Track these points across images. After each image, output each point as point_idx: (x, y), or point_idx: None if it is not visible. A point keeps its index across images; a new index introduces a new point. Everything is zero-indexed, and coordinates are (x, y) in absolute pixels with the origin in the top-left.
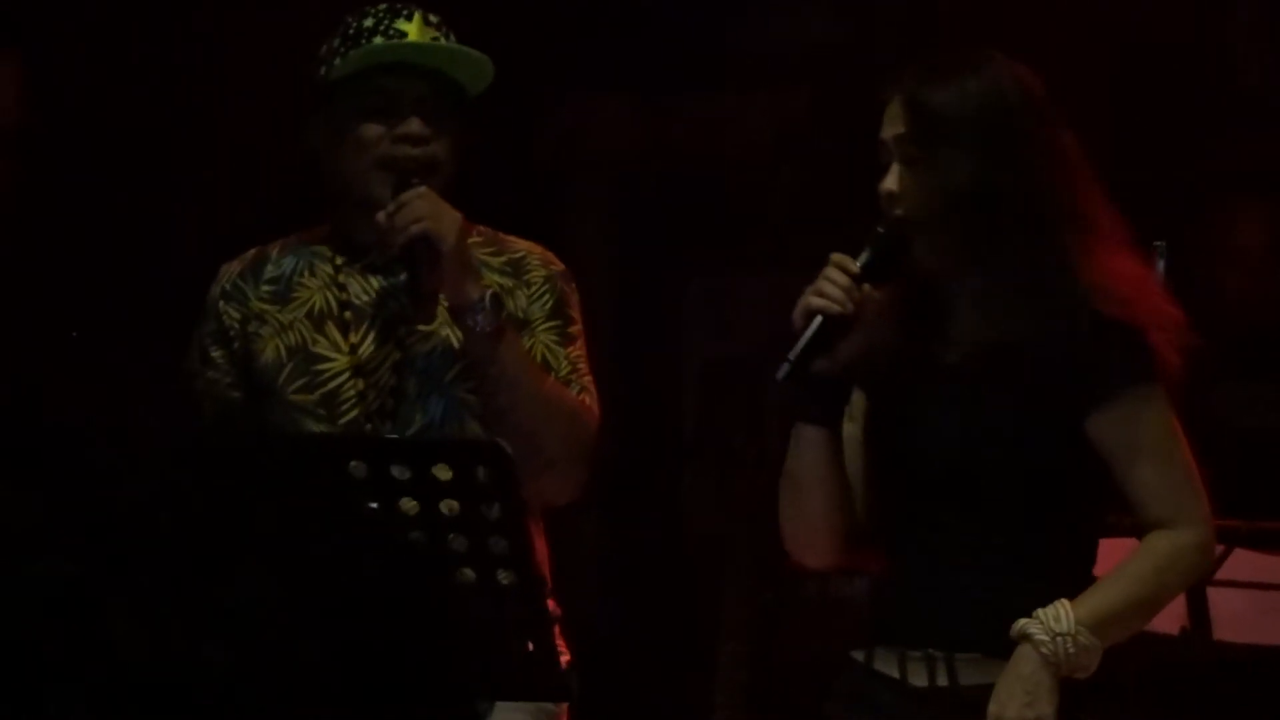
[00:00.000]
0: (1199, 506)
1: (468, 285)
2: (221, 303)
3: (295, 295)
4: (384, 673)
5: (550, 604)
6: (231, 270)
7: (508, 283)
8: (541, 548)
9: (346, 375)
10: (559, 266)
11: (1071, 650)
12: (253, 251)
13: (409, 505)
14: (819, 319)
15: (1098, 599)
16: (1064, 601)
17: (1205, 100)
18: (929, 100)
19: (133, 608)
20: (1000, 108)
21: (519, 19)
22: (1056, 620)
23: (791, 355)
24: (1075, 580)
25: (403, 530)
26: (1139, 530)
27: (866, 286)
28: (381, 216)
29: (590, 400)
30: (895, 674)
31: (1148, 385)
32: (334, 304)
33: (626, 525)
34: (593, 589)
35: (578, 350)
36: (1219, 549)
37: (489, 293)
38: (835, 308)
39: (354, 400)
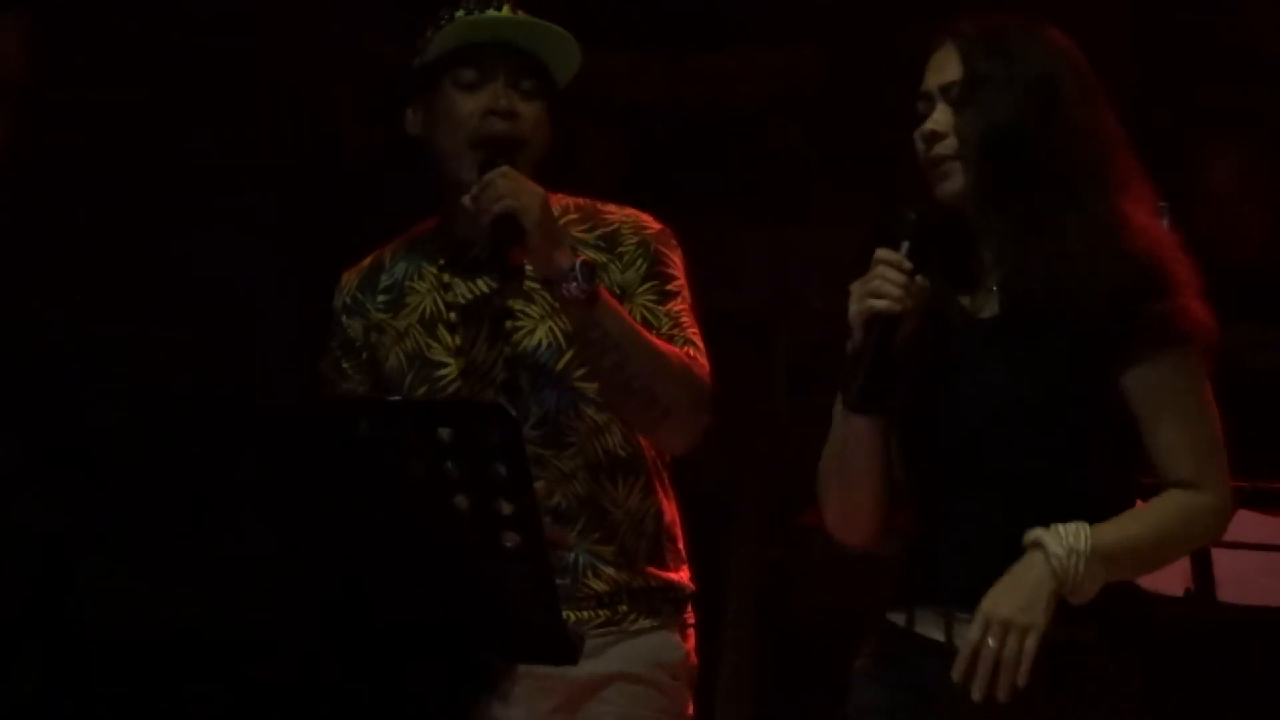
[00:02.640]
0: (1219, 471)
1: (556, 255)
2: (344, 316)
3: (407, 301)
4: (386, 633)
5: (684, 576)
6: (350, 282)
7: (601, 257)
8: (671, 508)
9: (462, 378)
10: (653, 228)
11: (1080, 570)
12: (369, 259)
13: (415, 466)
14: (877, 328)
15: (1114, 531)
16: (1084, 523)
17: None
18: (985, 51)
19: (116, 563)
20: (1048, 68)
21: None
22: (1075, 537)
23: (863, 375)
24: None
25: (408, 491)
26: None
27: (919, 278)
28: (467, 200)
29: (695, 351)
30: (940, 636)
31: (1180, 346)
32: (441, 306)
33: None
34: None
35: (678, 305)
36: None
37: (579, 260)
38: (896, 308)
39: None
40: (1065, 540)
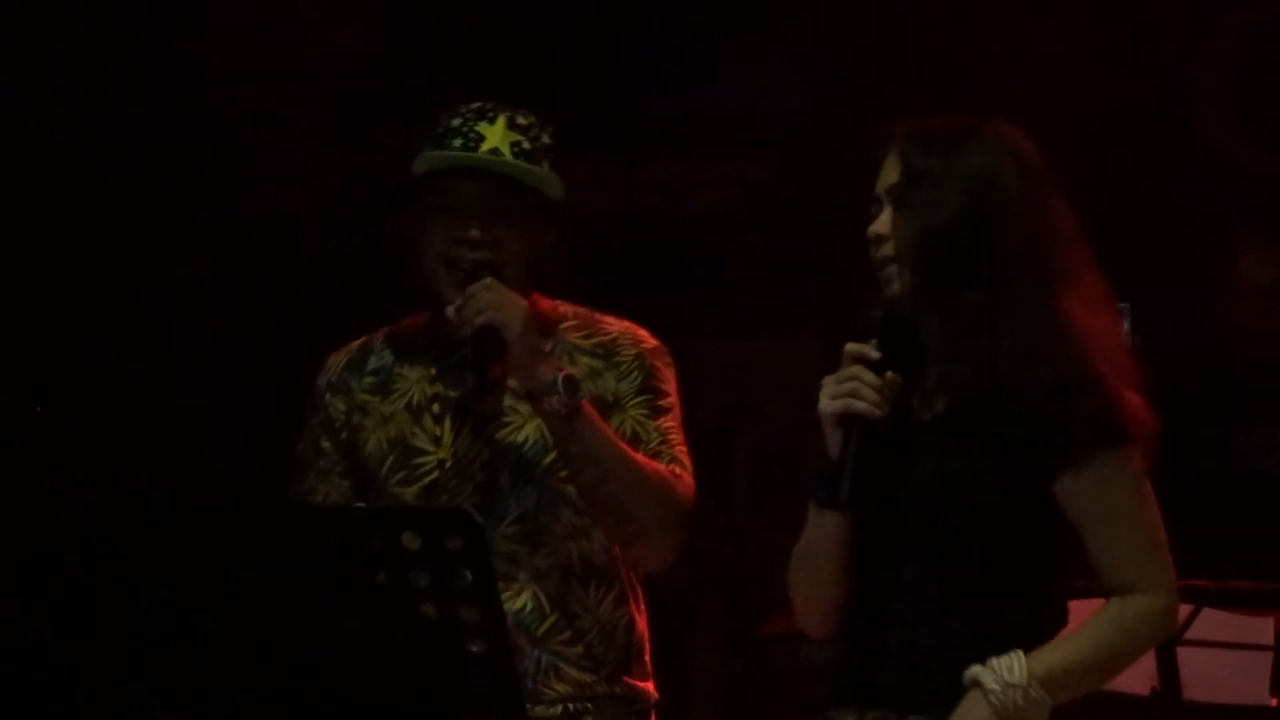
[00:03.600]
0: (1163, 572)
1: (538, 369)
2: (328, 395)
3: (395, 387)
4: None
5: (649, 686)
6: (338, 362)
7: (598, 365)
8: (642, 621)
9: (444, 470)
10: (650, 343)
11: (1020, 703)
12: (358, 342)
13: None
14: (858, 427)
15: (1054, 656)
16: (1019, 653)
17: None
18: (921, 150)
19: (87, 668)
20: (985, 165)
21: (487, 82)
22: (1010, 670)
23: (849, 474)
24: (1038, 644)
25: (375, 599)
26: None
27: (889, 375)
28: (450, 311)
29: (681, 470)
30: None
31: (1118, 448)
32: (429, 398)
33: None
34: None
35: (669, 421)
36: (1188, 608)
37: (561, 374)
38: (876, 412)
39: (451, 493)
40: (1000, 675)
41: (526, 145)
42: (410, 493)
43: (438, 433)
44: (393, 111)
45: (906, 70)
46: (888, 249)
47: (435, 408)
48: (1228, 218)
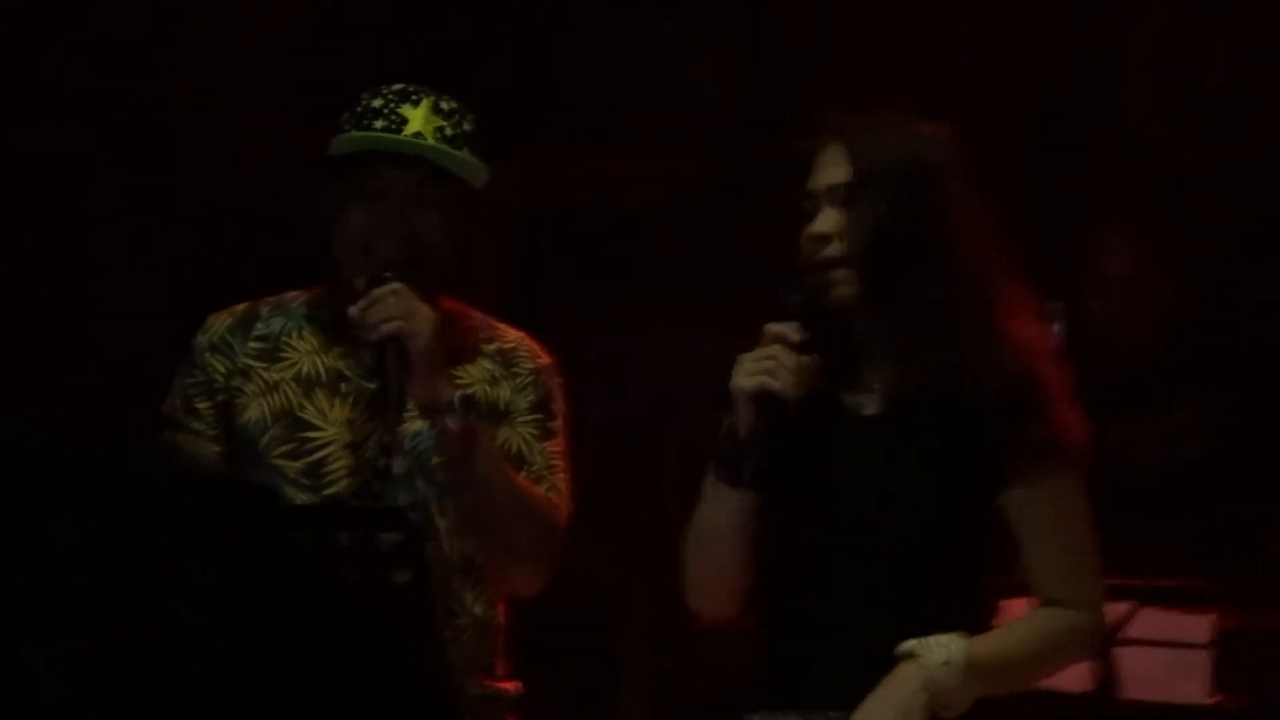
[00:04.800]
0: (1092, 590)
1: (440, 385)
2: (208, 354)
3: (284, 356)
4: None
5: (512, 685)
6: (220, 323)
7: (497, 371)
8: (505, 618)
9: (335, 447)
10: (546, 360)
11: (954, 683)
12: (243, 306)
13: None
14: (770, 407)
15: (989, 646)
16: (957, 636)
17: (1081, 135)
18: (870, 149)
19: (60, 646)
20: (928, 164)
21: (414, 76)
22: (948, 649)
23: (756, 453)
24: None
25: (302, 592)
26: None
27: (804, 358)
28: (353, 311)
29: (558, 498)
30: None
31: (1065, 467)
32: (323, 372)
33: None
34: None
35: (555, 446)
36: (1126, 607)
37: (459, 394)
38: (789, 393)
39: (340, 473)
40: (939, 653)
41: (450, 131)
42: (295, 467)
43: (330, 410)
44: (315, 100)
45: (833, 61)
46: (833, 249)
47: (330, 384)
48: (1095, 208)
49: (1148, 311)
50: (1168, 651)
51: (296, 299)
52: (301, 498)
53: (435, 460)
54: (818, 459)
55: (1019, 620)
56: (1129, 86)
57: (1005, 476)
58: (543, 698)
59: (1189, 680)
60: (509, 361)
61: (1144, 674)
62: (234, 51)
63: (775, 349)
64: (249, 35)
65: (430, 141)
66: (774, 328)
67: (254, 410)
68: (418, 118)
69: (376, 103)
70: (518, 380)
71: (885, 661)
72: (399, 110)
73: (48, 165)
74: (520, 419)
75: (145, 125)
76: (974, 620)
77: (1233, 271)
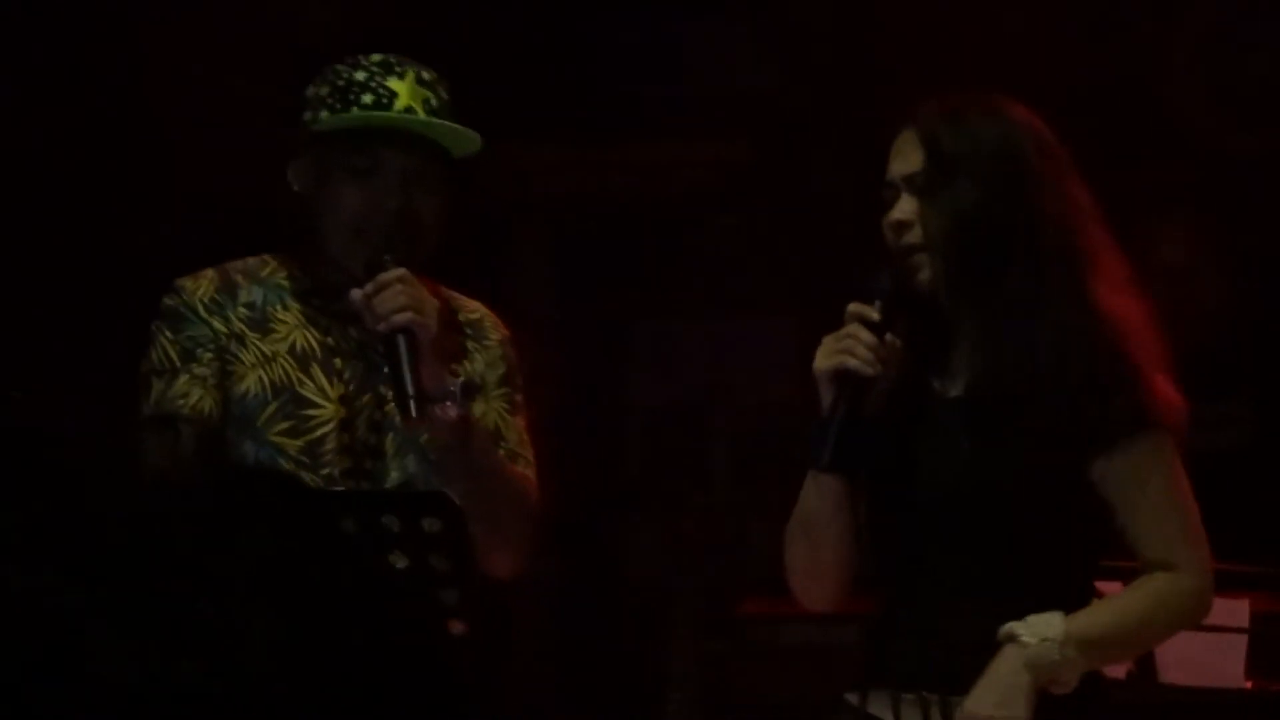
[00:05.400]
0: (1198, 555)
1: (442, 373)
2: (202, 312)
3: (274, 328)
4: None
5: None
6: (202, 286)
7: (470, 345)
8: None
9: (332, 425)
10: (506, 331)
11: (1056, 658)
12: (212, 271)
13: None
14: (849, 387)
15: (1089, 618)
16: (1057, 613)
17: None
18: (947, 135)
19: (113, 624)
20: (1012, 146)
21: (459, 64)
22: (1047, 625)
23: (833, 435)
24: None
25: (352, 582)
26: (1137, 574)
27: (889, 337)
28: (357, 296)
29: (532, 474)
30: (890, 716)
31: (1151, 431)
32: (316, 346)
33: (570, 574)
34: (539, 640)
35: (523, 420)
36: None
37: (461, 381)
38: (869, 370)
39: (336, 451)
40: (1038, 629)
41: (435, 102)
42: (295, 445)
43: (327, 386)
44: None
45: (876, 48)
46: (913, 236)
47: (324, 360)
48: (1148, 198)
49: (1196, 302)
50: (1205, 636)
51: (267, 268)
52: (301, 477)
53: (429, 444)
54: (907, 443)
55: (1124, 590)
56: (1173, 74)
57: (1098, 445)
58: (594, 683)
59: (1226, 664)
60: (478, 334)
61: (1181, 658)
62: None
63: (854, 328)
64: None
65: (423, 116)
66: (854, 308)
67: (252, 382)
68: (404, 90)
69: (360, 75)
70: (488, 353)
71: (979, 643)
72: (385, 84)
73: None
74: (493, 393)
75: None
76: (1071, 599)
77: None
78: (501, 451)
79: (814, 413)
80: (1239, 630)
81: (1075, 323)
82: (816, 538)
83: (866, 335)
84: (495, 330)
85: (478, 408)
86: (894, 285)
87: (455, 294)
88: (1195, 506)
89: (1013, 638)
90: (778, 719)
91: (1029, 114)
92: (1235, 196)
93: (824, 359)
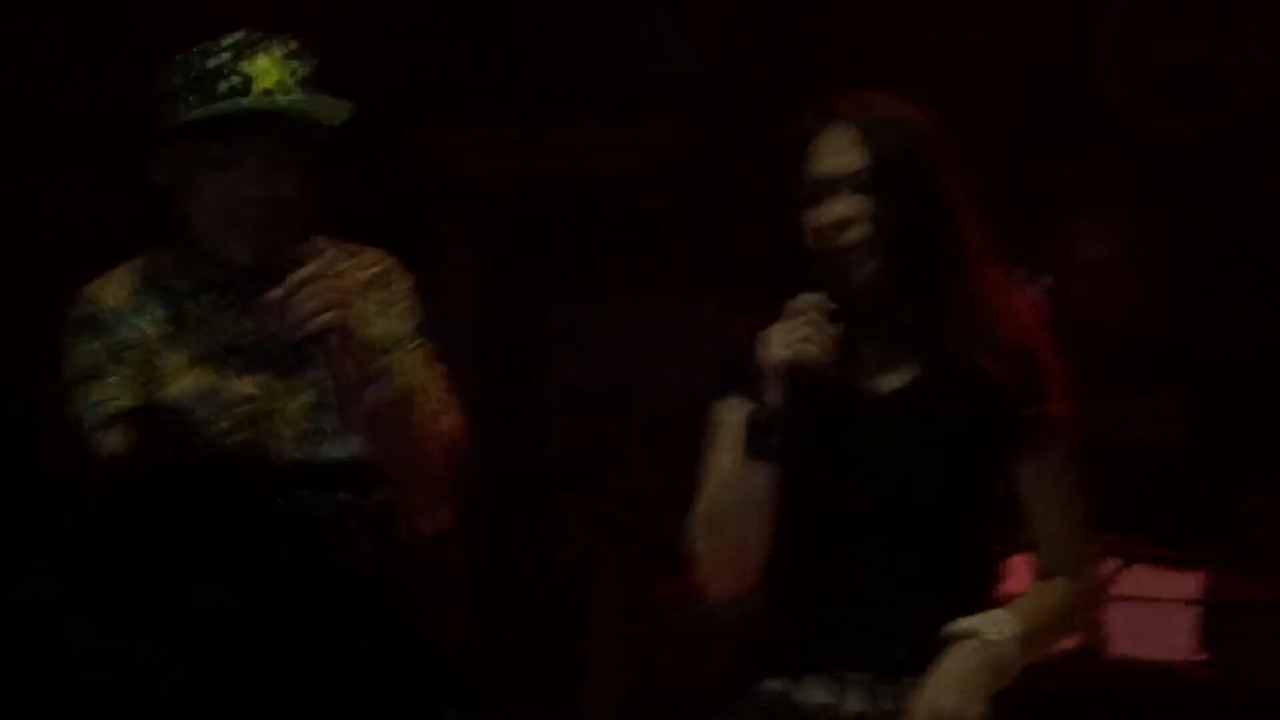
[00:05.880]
0: (1091, 560)
1: (366, 356)
2: (121, 315)
3: (191, 328)
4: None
5: None
6: (114, 291)
7: (382, 296)
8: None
9: (266, 419)
10: (408, 275)
11: (1015, 654)
12: (120, 273)
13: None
14: (798, 378)
15: (1027, 619)
16: (1005, 612)
17: (1054, 116)
18: (887, 133)
19: (101, 625)
20: (935, 148)
21: (390, 41)
22: (1006, 624)
23: (782, 425)
24: (989, 604)
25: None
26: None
27: (831, 328)
28: (271, 300)
29: (457, 420)
30: (830, 699)
31: (1061, 436)
32: (236, 341)
33: (491, 554)
34: (458, 619)
35: (439, 367)
36: (1115, 564)
37: (386, 368)
38: (825, 357)
39: (277, 439)
40: (999, 628)
41: (297, 76)
42: (232, 440)
43: (255, 377)
44: None
45: (804, 32)
46: (856, 234)
47: (246, 353)
48: (1062, 192)
49: (1128, 293)
50: (1155, 607)
51: (166, 267)
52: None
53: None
54: (839, 434)
55: (1035, 594)
56: (1101, 64)
57: (1018, 449)
58: (513, 664)
59: (1175, 636)
60: (384, 286)
61: (1130, 630)
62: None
63: (812, 318)
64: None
65: (287, 98)
66: (809, 298)
67: (183, 383)
68: (262, 71)
69: (212, 63)
70: (397, 306)
71: (923, 633)
72: (240, 68)
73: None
74: (409, 345)
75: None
76: (987, 585)
77: (1213, 251)
78: (430, 408)
79: (721, 398)
80: (1188, 602)
81: (996, 326)
82: (739, 526)
83: (824, 326)
84: (400, 278)
85: (394, 359)
86: (833, 284)
87: (352, 246)
88: (1087, 510)
89: (974, 634)
90: (698, 699)
91: (937, 120)
92: (1165, 185)
93: (782, 349)
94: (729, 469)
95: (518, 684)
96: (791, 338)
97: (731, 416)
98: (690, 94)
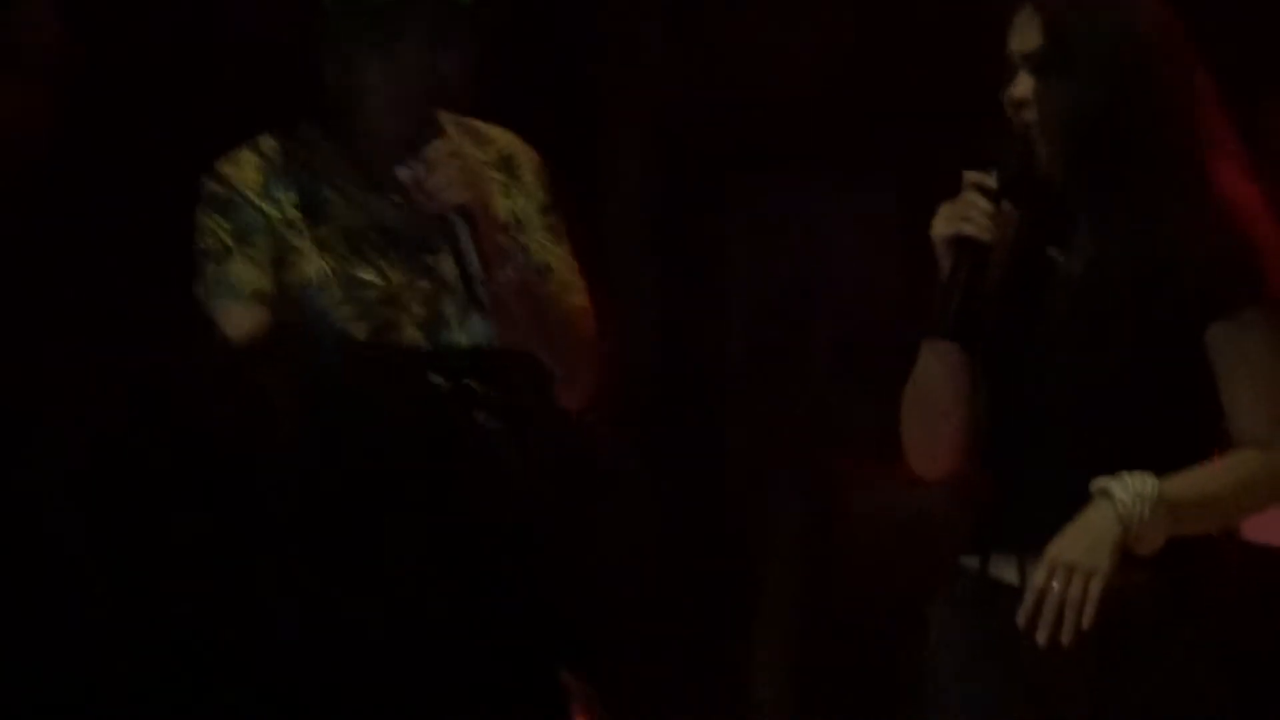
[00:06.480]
0: None
1: (499, 238)
2: (254, 198)
3: (326, 210)
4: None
5: None
6: (247, 170)
7: (504, 180)
8: None
9: (395, 305)
10: (539, 157)
11: (1145, 516)
12: (252, 156)
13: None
14: (968, 255)
15: (1182, 484)
16: (1150, 474)
17: None
18: (1069, 16)
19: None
20: (1135, 31)
21: None
22: (1141, 483)
23: (956, 302)
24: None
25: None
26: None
27: (1006, 205)
28: (406, 176)
29: (586, 300)
30: (1014, 579)
31: (1263, 307)
32: (364, 224)
33: (671, 452)
34: (635, 519)
35: (569, 248)
36: None
37: (517, 247)
38: (985, 236)
39: (401, 329)
40: (1131, 488)
41: None
42: (361, 328)
43: (380, 265)
44: None
45: None
46: (1030, 114)
47: (379, 239)
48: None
49: None
50: None
51: (306, 145)
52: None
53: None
54: (1028, 313)
55: (1217, 462)
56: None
57: (1212, 311)
58: (690, 571)
59: None
60: (511, 167)
61: (1266, 519)
62: None
63: (971, 195)
64: None
65: None
66: (972, 175)
67: (312, 269)
68: None
69: None
70: (525, 186)
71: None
72: None
73: None
74: (536, 225)
75: None
76: (1189, 462)
77: None
78: (553, 286)
79: (922, 289)
80: None
81: (1194, 210)
82: (935, 407)
83: (984, 203)
84: (529, 159)
85: (523, 240)
86: (1016, 157)
87: (481, 125)
88: None
89: (1106, 493)
90: (883, 586)
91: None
92: None
93: (942, 225)
94: (921, 351)
95: (697, 586)
96: (953, 213)
97: None
98: None
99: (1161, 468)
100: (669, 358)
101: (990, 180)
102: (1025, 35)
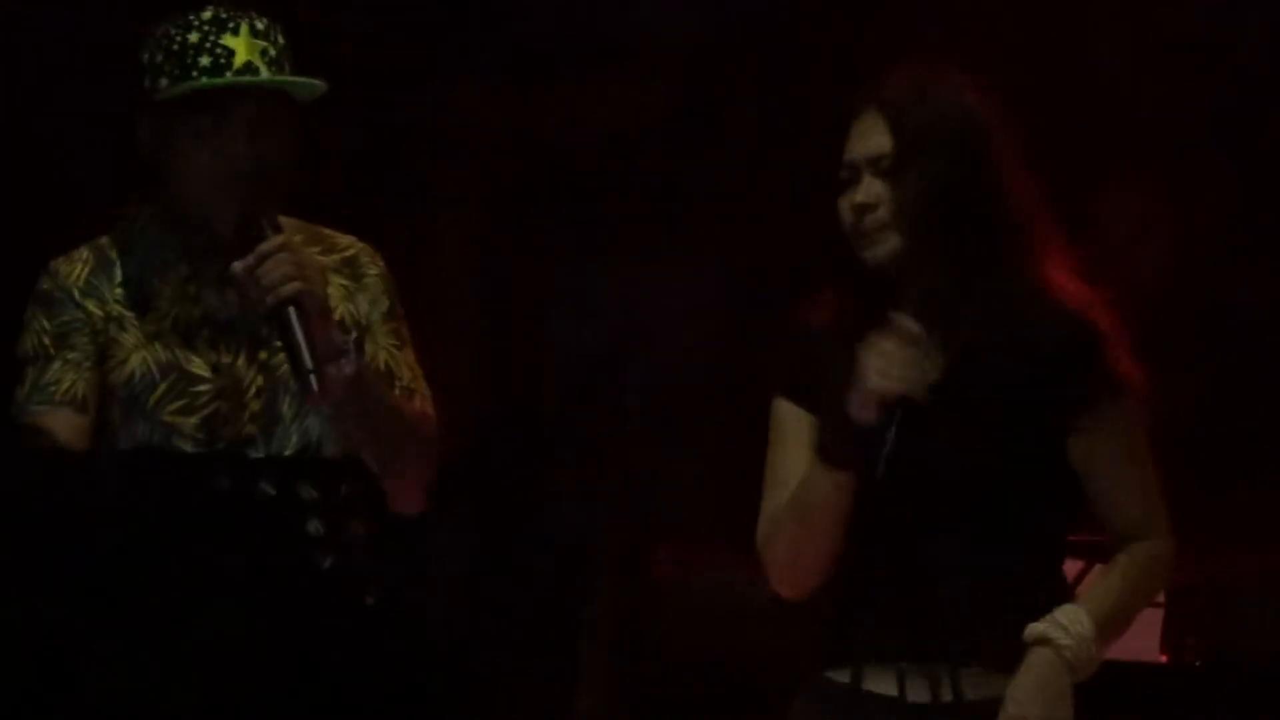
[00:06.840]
0: (1166, 519)
1: (333, 333)
2: (78, 296)
3: (155, 304)
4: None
5: None
6: (76, 268)
7: (348, 284)
8: None
9: (225, 398)
10: (382, 262)
11: (1088, 655)
12: (86, 251)
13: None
14: (894, 405)
15: (1099, 605)
16: (1076, 607)
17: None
18: (914, 113)
19: (113, 646)
20: (975, 123)
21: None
22: (1078, 624)
23: (885, 450)
24: (1056, 594)
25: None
26: (1100, 549)
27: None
28: (239, 269)
29: (429, 406)
30: (892, 691)
31: (1126, 401)
32: (198, 318)
33: (488, 520)
34: (455, 586)
35: (412, 352)
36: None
37: (353, 338)
38: (921, 395)
39: (232, 423)
40: (1071, 630)
41: (273, 51)
42: (190, 423)
43: (213, 358)
44: None
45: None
46: (877, 218)
47: (209, 331)
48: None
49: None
50: None
51: (140, 234)
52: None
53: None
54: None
55: (1110, 569)
56: (1100, 38)
57: (1074, 411)
58: (510, 631)
59: (1142, 638)
60: (355, 270)
61: None
62: None
63: (916, 353)
64: None
65: (264, 72)
66: (908, 325)
67: (136, 363)
68: (241, 46)
69: (193, 37)
70: (369, 290)
71: (993, 617)
72: (221, 42)
73: None
74: (379, 330)
75: None
76: (1055, 572)
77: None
78: (397, 390)
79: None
80: (1154, 605)
81: (1040, 297)
82: (820, 529)
83: (924, 361)
84: (372, 263)
85: (367, 348)
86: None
87: (324, 230)
88: (1157, 473)
89: (1046, 640)
90: (696, 668)
91: (987, 96)
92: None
93: (879, 381)
94: (799, 473)
95: (515, 650)
96: (901, 373)
97: (794, 419)
98: (691, 51)
99: (1028, 573)
100: (487, 419)
101: (915, 326)
102: (868, 140)
